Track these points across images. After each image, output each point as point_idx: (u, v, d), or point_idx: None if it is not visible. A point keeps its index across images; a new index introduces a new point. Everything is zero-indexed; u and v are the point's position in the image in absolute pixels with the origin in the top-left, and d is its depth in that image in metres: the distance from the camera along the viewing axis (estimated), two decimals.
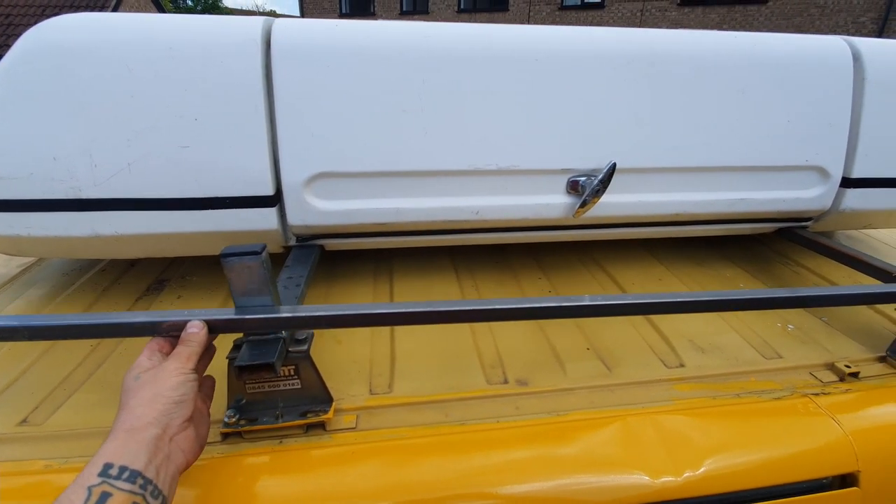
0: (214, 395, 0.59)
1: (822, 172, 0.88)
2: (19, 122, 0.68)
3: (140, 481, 0.43)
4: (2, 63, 0.70)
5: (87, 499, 0.40)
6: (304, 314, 0.58)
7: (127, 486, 0.42)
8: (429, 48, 0.74)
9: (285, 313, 0.57)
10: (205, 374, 0.58)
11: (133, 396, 0.49)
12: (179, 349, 0.54)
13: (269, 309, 0.58)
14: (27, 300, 0.87)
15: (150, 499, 0.43)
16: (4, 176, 0.69)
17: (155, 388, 0.49)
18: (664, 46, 0.79)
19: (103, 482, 0.42)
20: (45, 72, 0.68)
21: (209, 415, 0.56)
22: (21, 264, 1.02)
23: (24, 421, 0.63)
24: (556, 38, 0.77)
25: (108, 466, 0.43)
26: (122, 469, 0.43)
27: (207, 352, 0.57)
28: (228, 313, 0.57)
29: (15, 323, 0.56)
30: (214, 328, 0.57)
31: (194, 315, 0.56)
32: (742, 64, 0.81)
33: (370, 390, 0.67)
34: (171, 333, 0.55)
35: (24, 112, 0.68)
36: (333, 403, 0.62)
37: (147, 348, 0.54)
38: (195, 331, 0.55)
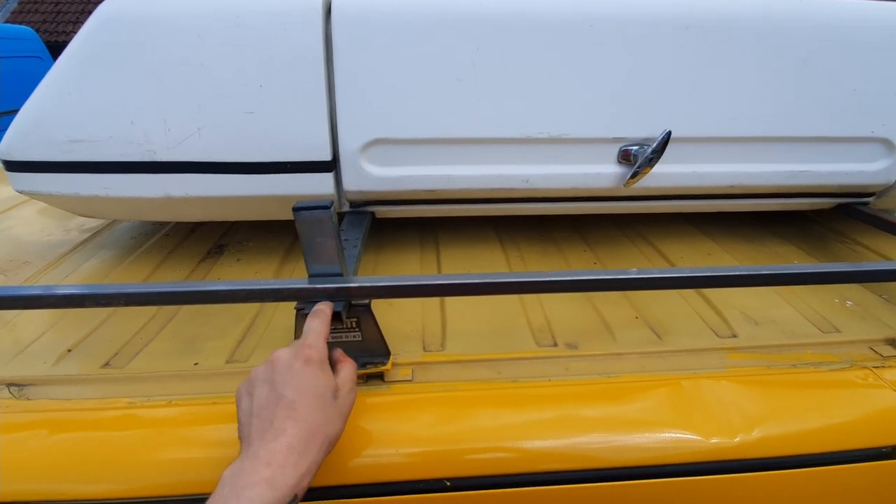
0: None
1: (888, 144, 0.85)
2: (100, 89, 0.72)
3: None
4: (80, 33, 0.75)
5: None
6: (370, 284, 0.60)
7: None
8: (482, 16, 0.74)
9: (354, 283, 0.60)
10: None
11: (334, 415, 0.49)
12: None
13: (339, 279, 0.61)
14: (101, 260, 0.93)
15: None
16: (86, 139, 0.74)
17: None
18: (724, 11, 0.77)
19: None
20: (122, 41, 0.72)
21: None
22: (87, 228, 1.08)
23: (106, 364, 0.68)
24: (612, 2, 0.76)
25: (293, 501, 0.42)
26: (294, 499, 0.42)
27: None
28: (303, 283, 0.60)
29: (113, 291, 0.59)
30: (290, 297, 0.60)
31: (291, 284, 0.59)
32: (806, 30, 0.78)
33: (424, 348, 0.70)
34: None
35: (104, 79, 0.72)
36: (391, 357, 0.65)
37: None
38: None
